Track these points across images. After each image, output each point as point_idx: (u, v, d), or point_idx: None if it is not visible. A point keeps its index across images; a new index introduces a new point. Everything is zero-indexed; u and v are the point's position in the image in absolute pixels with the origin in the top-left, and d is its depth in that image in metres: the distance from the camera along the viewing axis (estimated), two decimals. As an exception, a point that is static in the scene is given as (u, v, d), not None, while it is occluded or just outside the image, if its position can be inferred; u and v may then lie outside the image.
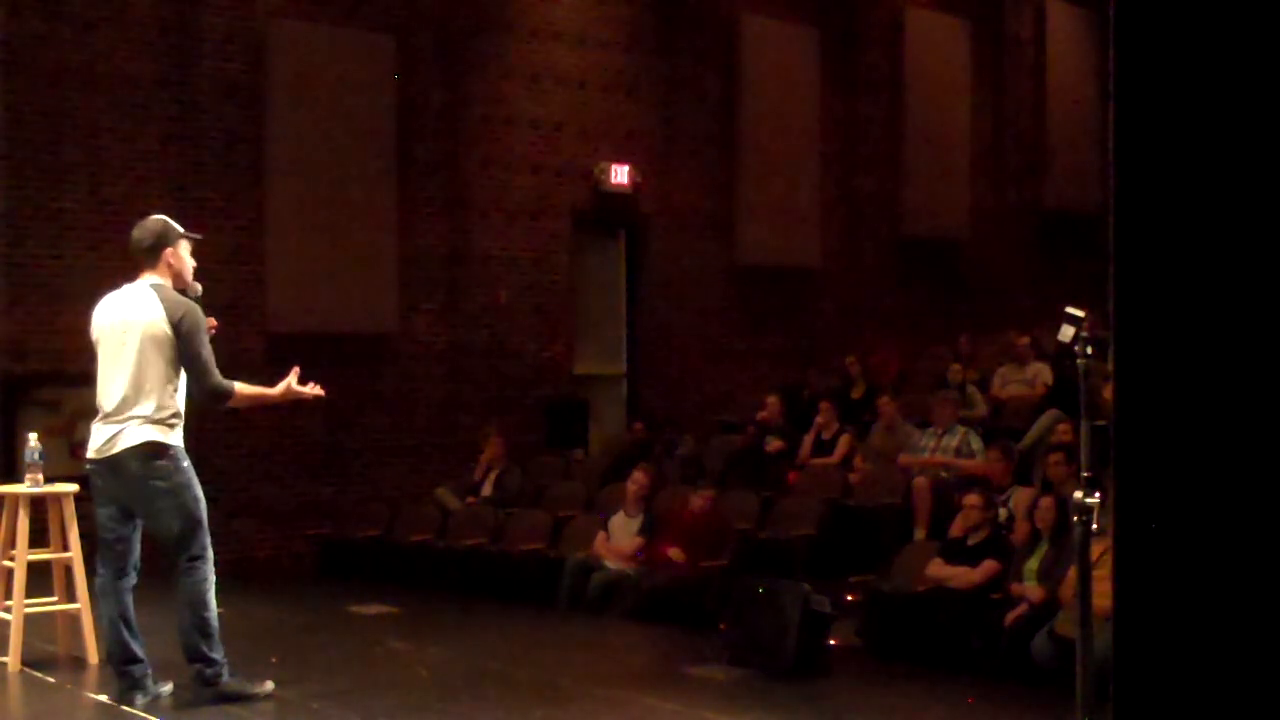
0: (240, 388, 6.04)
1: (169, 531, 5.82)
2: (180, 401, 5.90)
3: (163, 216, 6.18)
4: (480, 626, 8.84)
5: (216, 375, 5.89)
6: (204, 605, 5.80)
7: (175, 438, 5.85)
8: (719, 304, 15.23)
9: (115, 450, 5.79)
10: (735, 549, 9.55)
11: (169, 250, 6.00)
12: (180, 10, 11.89)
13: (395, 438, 13.05)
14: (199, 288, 6.15)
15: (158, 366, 5.80)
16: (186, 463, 5.86)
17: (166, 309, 5.85)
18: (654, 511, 10.00)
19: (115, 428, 5.80)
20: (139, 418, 5.77)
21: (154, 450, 5.77)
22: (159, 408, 5.79)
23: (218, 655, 5.84)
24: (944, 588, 7.96)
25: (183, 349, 5.82)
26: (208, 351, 5.88)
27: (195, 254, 6.20)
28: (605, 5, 14.44)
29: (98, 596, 6.00)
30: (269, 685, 5.98)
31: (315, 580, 11.62)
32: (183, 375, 5.89)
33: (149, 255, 6.02)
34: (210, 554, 5.88)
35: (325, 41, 12.54)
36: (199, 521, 5.84)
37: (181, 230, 6.12)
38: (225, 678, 5.86)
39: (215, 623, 5.84)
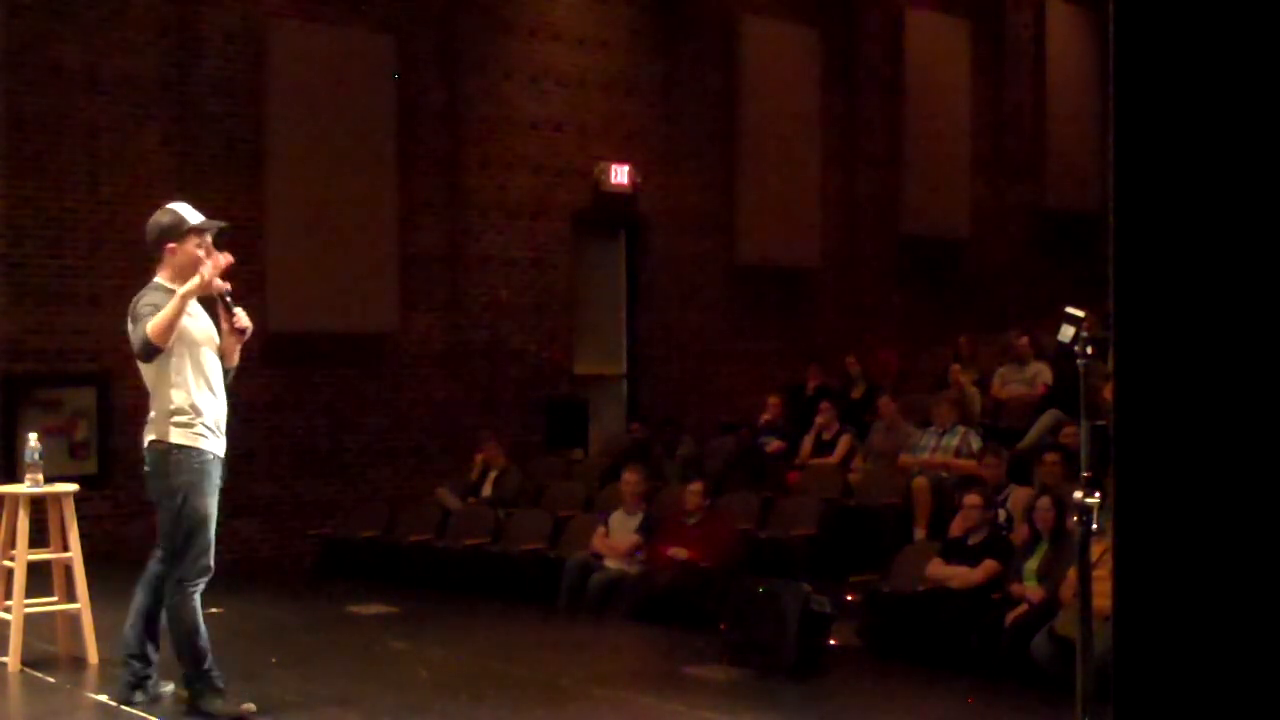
0: (155, 320, 5.48)
1: (165, 533, 5.71)
2: (203, 400, 5.67)
3: (177, 207, 5.85)
4: (480, 626, 8.85)
5: (138, 333, 5.51)
6: (179, 621, 5.63)
7: (189, 437, 5.64)
8: (719, 304, 15.23)
9: (144, 446, 5.74)
10: (740, 552, 9.54)
11: (170, 245, 5.75)
12: (180, 10, 11.89)
13: (395, 438, 13.05)
14: (225, 286, 5.76)
15: (159, 367, 5.66)
16: (200, 465, 5.64)
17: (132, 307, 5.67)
18: (654, 511, 10.01)
19: (147, 424, 5.74)
20: (157, 415, 5.67)
21: (164, 449, 5.64)
22: (171, 405, 5.64)
23: (190, 669, 5.69)
24: (944, 588, 7.96)
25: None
26: (141, 325, 5.49)
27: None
28: (605, 5, 14.44)
29: (138, 584, 5.89)
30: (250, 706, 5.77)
31: (315, 580, 11.62)
32: (192, 369, 5.66)
33: (153, 249, 5.80)
34: (203, 575, 5.68)
35: (325, 41, 12.53)
36: (194, 535, 5.63)
37: (195, 222, 5.79)
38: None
39: (194, 637, 5.63)
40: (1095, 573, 4.43)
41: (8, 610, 6.63)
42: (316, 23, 12.56)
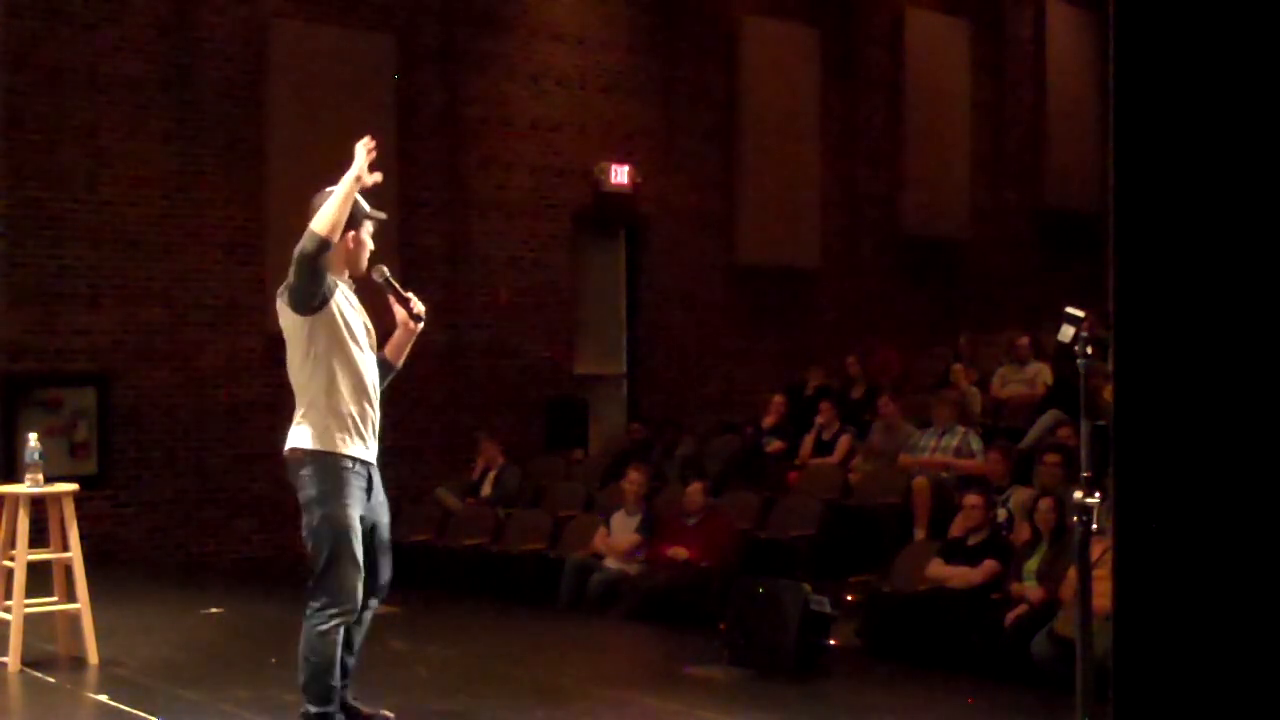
0: (319, 216, 5.08)
1: (310, 552, 5.14)
2: (347, 400, 5.16)
3: None
4: (480, 626, 8.85)
5: (300, 244, 5.04)
6: (315, 651, 5.10)
7: (330, 442, 5.13)
8: (719, 304, 15.23)
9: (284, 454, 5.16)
10: (740, 552, 9.54)
11: (350, 234, 5.25)
12: (180, 10, 11.88)
13: (395, 438, 13.00)
14: (384, 270, 5.41)
15: (300, 356, 5.19)
16: (337, 472, 5.12)
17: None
18: (654, 511, 10.01)
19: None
20: (298, 418, 5.20)
21: (300, 456, 5.17)
22: (311, 407, 5.14)
23: (311, 706, 5.13)
24: (944, 588, 7.96)
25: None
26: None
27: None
28: (605, 5, 14.44)
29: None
30: None
31: (316, 580, 11.59)
32: (339, 366, 5.18)
33: None
34: (348, 603, 5.07)
35: (325, 41, 12.53)
36: (337, 552, 5.05)
37: (367, 209, 5.35)
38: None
39: (326, 674, 5.12)
40: (1095, 573, 4.43)
41: (8, 610, 6.63)
42: (316, 23, 12.55)
